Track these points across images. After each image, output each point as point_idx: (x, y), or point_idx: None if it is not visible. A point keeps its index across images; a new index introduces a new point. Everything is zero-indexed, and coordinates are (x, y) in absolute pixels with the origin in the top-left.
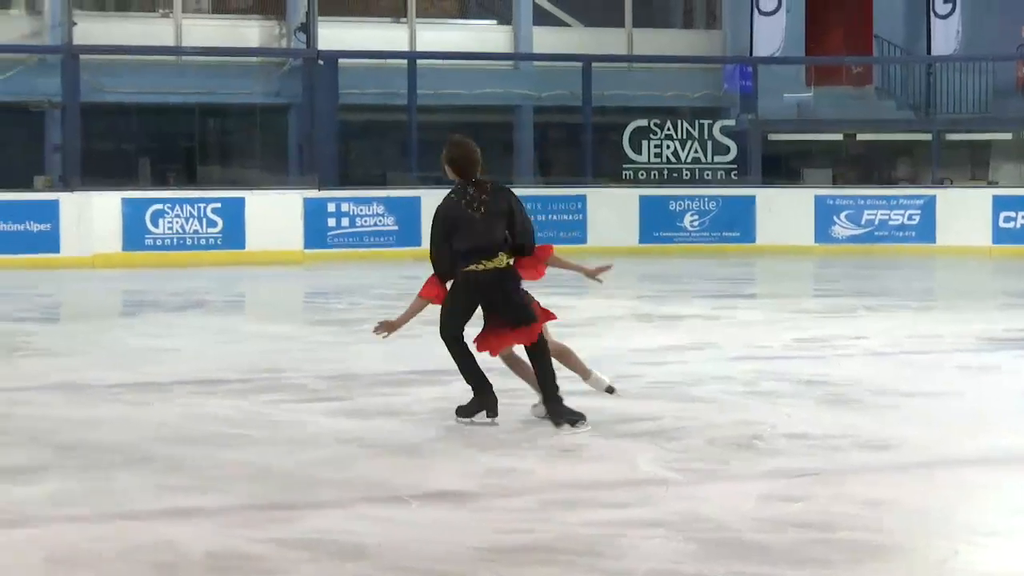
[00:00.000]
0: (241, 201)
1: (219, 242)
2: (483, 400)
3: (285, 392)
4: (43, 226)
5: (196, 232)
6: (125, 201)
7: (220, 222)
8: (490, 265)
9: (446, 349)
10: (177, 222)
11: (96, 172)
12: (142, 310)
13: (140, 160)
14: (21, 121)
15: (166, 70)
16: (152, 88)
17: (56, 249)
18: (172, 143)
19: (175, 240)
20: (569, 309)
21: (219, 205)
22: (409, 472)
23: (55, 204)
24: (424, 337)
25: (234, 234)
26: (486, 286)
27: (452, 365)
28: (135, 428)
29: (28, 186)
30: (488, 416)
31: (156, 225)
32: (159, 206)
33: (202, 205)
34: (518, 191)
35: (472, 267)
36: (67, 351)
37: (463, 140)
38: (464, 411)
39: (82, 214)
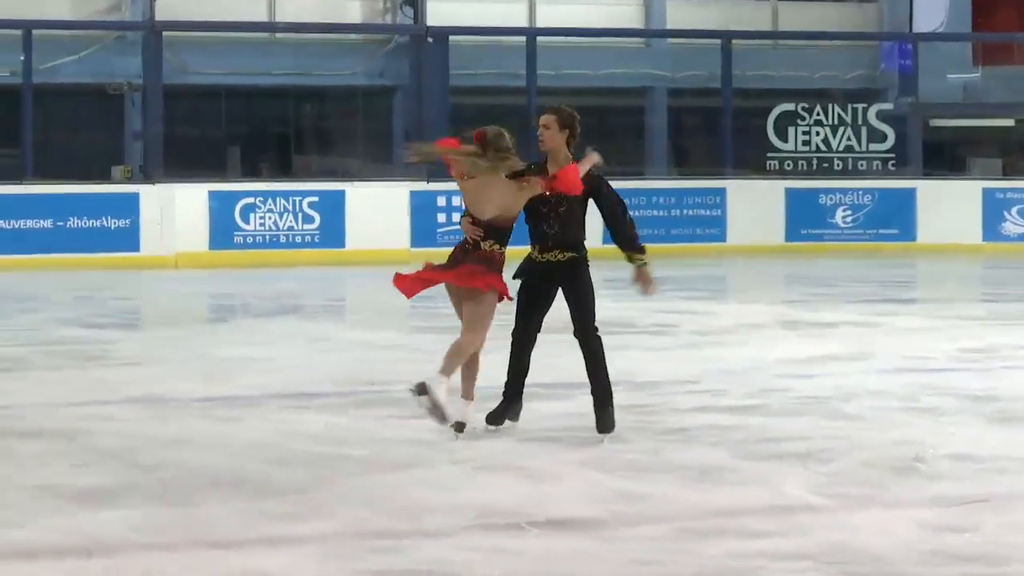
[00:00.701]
0: (341, 194)
1: (316, 240)
2: (609, 410)
3: (389, 407)
4: (121, 222)
5: (291, 229)
6: (212, 194)
7: (317, 218)
8: None
9: (593, 345)
10: (270, 217)
11: (180, 162)
12: (231, 315)
13: (229, 149)
14: (98, 105)
15: (258, 49)
16: (242, 69)
17: (136, 247)
18: (264, 130)
19: (267, 237)
20: (707, 315)
21: (316, 199)
22: (528, 497)
23: (135, 197)
24: (543, 346)
25: (333, 231)
26: None
27: (574, 376)
28: (224, 447)
29: (105, 177)
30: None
31: (246, 221)
32: (250, 200)
33: (297, 199)
34: (649, 183)
35: None
36: (148, 361)
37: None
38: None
39: (164, 208)
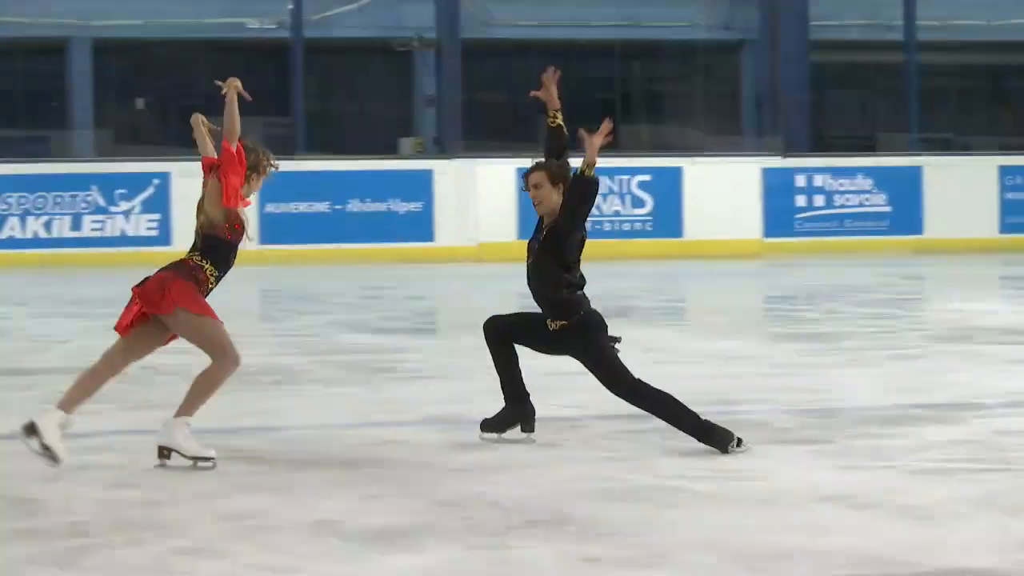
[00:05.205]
0: (677, 172)
1: (648, 228)
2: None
3: (741, 431)
4: (412, 205)
5: (617, 214)
6: (520, 172)
7: (649, 201)
8: None
9: (640, 404)
10: None
11: (482, 133)
12: None
13: (538, 117)
14: (383, 66)
15: None
16: (557, 20)
17: (430, 236)
18: (585, 94)
19: (588, 224)
20: (886, 335)
21: (648, 178)
22: (913, 543)
23: (427, 175)
24: (929, 358)
25: (668, 217)
26: None
27: (961, 394)
28: (541, 478)
29: (392, 151)
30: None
31: None
32: None
33: (625, 178)
34: None
35: None
36: (448, 374)
37: None
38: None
39: (463, 189)
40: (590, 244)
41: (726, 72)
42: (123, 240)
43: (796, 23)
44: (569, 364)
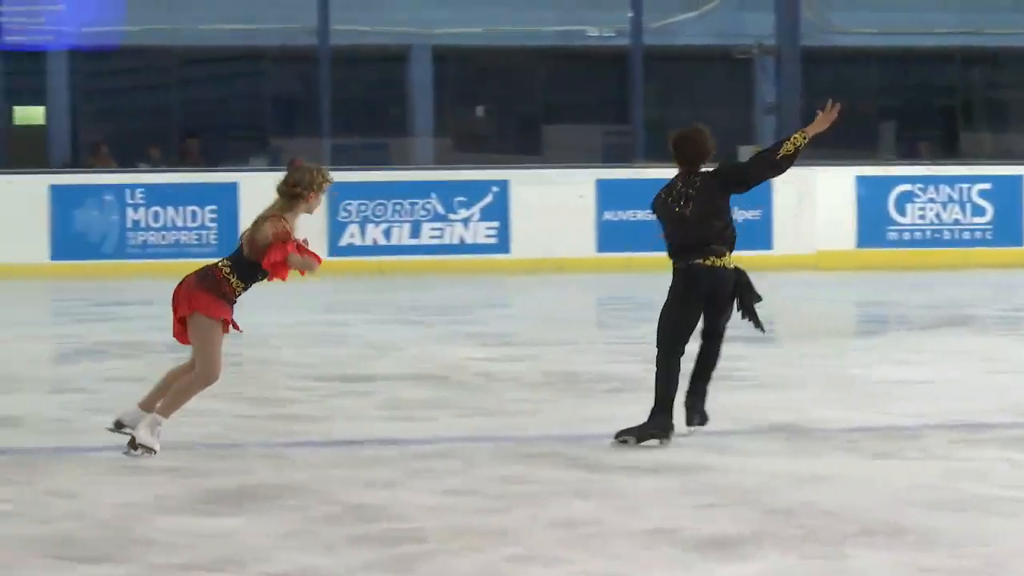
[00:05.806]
0: (1018, 180)
1: (989, 236)
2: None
3: None
4: (751, 213)
5: (957, 222)
6: (860, 180)
7: (990, 209)
8: None
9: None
10: (931, 209)
11: (821, 140)
12: (884, 328)
13: (881, 124)
14: (722, 73)
15: (916, 2)
16: (898, 27)
17: (767, 244)
18: (925, 101)
19: (928, 233)
20: None
21: (988, 186)
22: None
23: (766, 184)
24: None
25: (1009, 225)
26: None
27: None
28: (877, 487)
29: (732, 157)
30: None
31: (902, 212)
32: (907, 187)
33: (966, 186)
34: None
35: None
36: (783, 383)
37: None
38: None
39: (802, 197)
40: (927, 253)
41: None
42: (462, 248)
43: None
44: (903, 373)
